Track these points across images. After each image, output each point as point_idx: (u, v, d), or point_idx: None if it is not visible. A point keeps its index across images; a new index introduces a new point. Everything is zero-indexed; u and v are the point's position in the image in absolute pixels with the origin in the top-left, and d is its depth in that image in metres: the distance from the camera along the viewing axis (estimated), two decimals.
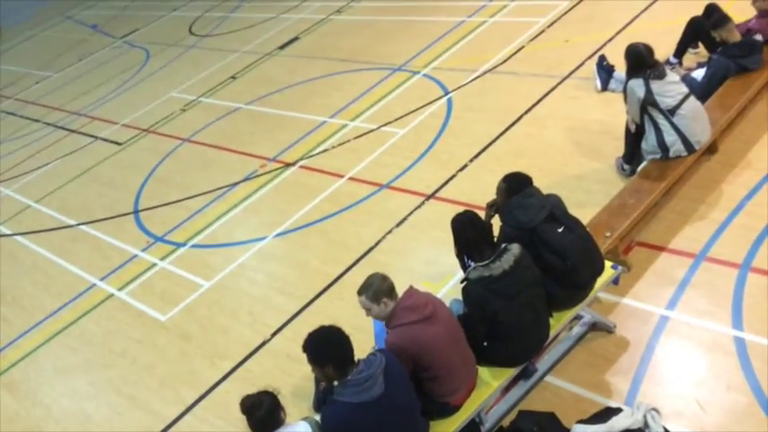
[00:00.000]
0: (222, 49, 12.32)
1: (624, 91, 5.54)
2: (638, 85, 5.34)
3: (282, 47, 11.49)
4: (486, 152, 6.86)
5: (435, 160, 7.04)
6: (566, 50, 8.16)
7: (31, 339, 6.53)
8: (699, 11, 6.71)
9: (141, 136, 10.03)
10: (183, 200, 7.94)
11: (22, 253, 8.03)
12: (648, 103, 5.33)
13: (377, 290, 3.74)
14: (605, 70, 7.14)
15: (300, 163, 7.84)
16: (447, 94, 8.20)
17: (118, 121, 10.77)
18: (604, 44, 7.90)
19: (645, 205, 5.10)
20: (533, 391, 4.33)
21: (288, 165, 7.89)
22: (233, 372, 5.35)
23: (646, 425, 3.61)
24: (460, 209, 4.31)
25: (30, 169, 10.18)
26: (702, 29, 6.56)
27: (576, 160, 6.25)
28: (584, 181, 5.94)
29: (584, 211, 4.86)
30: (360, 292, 3.82)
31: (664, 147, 5.36)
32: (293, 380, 4.92)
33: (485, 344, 4.01)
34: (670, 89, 5.32)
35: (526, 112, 7.27)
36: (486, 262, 3.87)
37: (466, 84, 8.26)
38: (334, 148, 7.91)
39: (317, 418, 3.58)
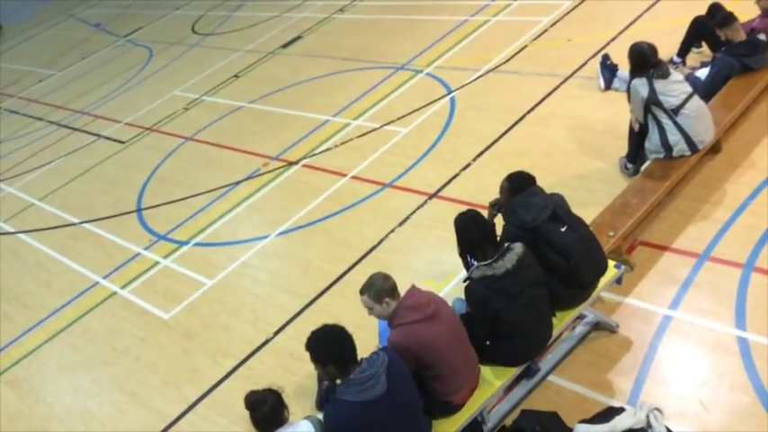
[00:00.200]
0: (225, 48, 12.33)
1: (628, 90, 5.54)
2: (641, 85, 5.34)
3: (285, 45, 11.50)
4: (488, 151, 6.86)
5: (438, 159, 7.03)
6: (569, 50, 8.15)
7: (33, 337, 6.54)
8: (702, 10, 6.71)
9: (144, 134, 10.03)
10: (185, 198, 7.94)
11: (25, 251, 8.05)
12: (652, 102, 5.32)
13: (379, 289, 3.75)
14: (609, 69, 7.13)
15: (303, 162, 7.84)
16: (450, 93, 8.19)
17: (121, 120, 10.78)
18: (608, 43, 7.89)
19: (648, 205, 5.09)
20: (536, 390, 4.33)
21: (290, 163, 7.89)
22: (235, 370, 5.35)
23: (648, 425, 3.60)
24: (463, 208, 4.31)
25: (33, 167, 10.19)
26: (706, 28, 6.56)
27: (579, 159, 6.25)
28: (587, 180, 5.94)
29: (587, 211, 4.86)
30: (362, 292, 3.82)
31: (667, 146, 5.35)
32: (296, 378, 4.93)
33: (487, 343, 4.01)
34: (674, 88, 5.31)
35: (529, 112, 7.26)
36: (489, 261, 3.86)
37: (469, 83, 8.26)
38: (336, 146, 7.91)
39: (320, 416, 3.58)
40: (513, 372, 4.06)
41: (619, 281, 4.49)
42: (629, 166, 5.79)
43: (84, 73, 13.69)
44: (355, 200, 6.85)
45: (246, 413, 3.54)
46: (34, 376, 6.07)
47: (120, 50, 14.33)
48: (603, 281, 4.31)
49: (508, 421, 4.12)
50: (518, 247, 3.93)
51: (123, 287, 6.77)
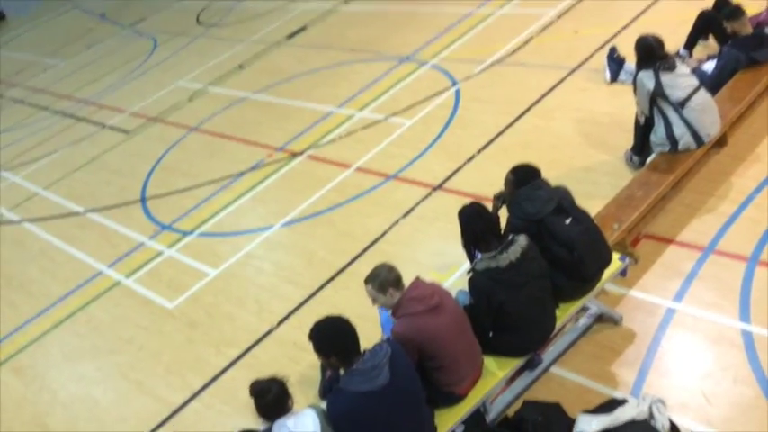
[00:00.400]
0: (229, 39, 12.31)
1: (634, 83, 5.52)
2: (647, 78, 5.32)
3: (290, 36, 11.47)
4: (493, 144, 6.85)
5: (443, 151, 7.03)
6: (575, 42, 8.12)
7: (38, 325, 6.57)
8: (709, 3, 6.68)
9: (149, 125, 10.04)
10: (190, 188, 7.95)
11: (30, 239, 8.07)
12: (658, 95, 5.31)
13: (383, 280, 3.76)
14: (615, 62, 7.11)
15: (307, 153, 7.84)
16: (455, 85, 8.17)
17: (125, 110, 10.79)
18: (614, 36, 7.86)
19: (653, 198, 5.08)
20: (538, 381, 4.33)
21: (295, 155, 7.89)
22: (239, 359, 5.37)
23: (651, 416, 3.61)
24: (467, 200, 4.31)
25: (38, 156, 10.21)
26: (713, 21, 6.52)
27: (585, 152, 6.24)
28: (592, 173, 5.93)
29: (591, 203, 4.85)
30: (366, 282, 3.83)
31: (673, 139, 5.34)
32: (299, 368, 4.94)
33: (490, 334, 4.02)
34: (680, 82, 5.29)
35: (535, 104, 7.24)
36: (493, 253, 3.86)
37: (474, 75, 8.24)
38: (341, 138, 7.91)
39: (324, 405, 3.59)
40: (516, 363, 4.07)
41: (623, 273, 4.49)
42: (635, 158, 5.78)
43: (89, 63, 13.69)
44: (359, 191, 6.85)
45: (251, 401, 3.55)
46: (39, 363, 6.10)
47: (124, 40, 14.32)
48: (607, 273, 4.31)
49: (510, 412, 4.12)
50: (522, 240, 3.93)
51: (128, 276, 6.79)
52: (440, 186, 6.51)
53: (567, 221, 4.13)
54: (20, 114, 12.26)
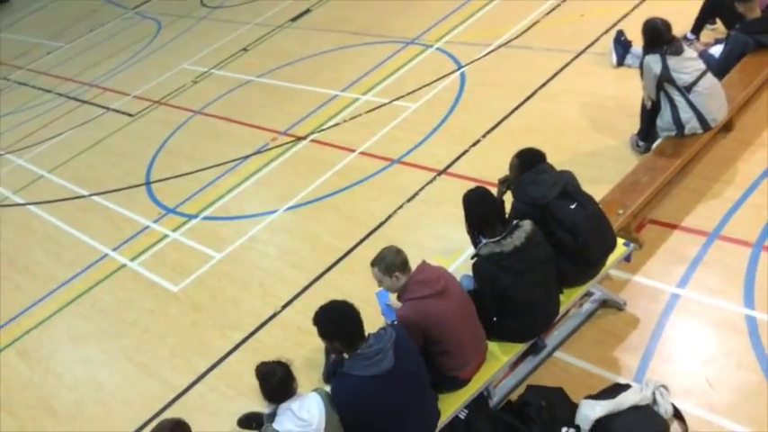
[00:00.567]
0: (233, 21, 12.23)
1: (640, 67, 5.48)
2: (654, 61, 5.28)
3: (294, 19, 11.40)
4: (499, 128, 6.82)
5: (447, 135, 7.00)
6: (581, 25, 8.05)
7: (43, 308, 6.60)
8: None
9: (153, 107, 10.02)
10: (194, 172, 7.95)
11: (35, 222, 8.10)
12: (665, 79, 5.26)
13: (390, 263, 3.76)
14: (622, 45, 7.04)
15: (311, 137, 7.82)
16: (460, 68, 8.12)
17: (129, 93, 10.76)
18: (621, 19, 7.78)
19: (658, 183, 5.06)
20: (542, 366, 4.35)
21: (299, 138, 7.87)
22: (244, 342, 5.40)
23: (654, 402, 3.62)
24: (472, 185, 4.30)
25: (42, 139, 10.20)
26: (721, 5, 6.45)
27: (590, 137, 6.20)
28: (597, 158, 5.90)
29: (597, 188, 4.83)
30: (373, 264, 3.84)
31: (679, 124, 5.31)
32: (304, 351, 4.96)
33: (495, 319, 4.02)
34: (687, 65, 5.25)
35: (540, 88, 7.20)
36: (498, 238, 3.86)
37: (479, 58, 8.18)
38: (345, 122, 7.88)
39: (328, 389, 3.61)
40: (520, 348, 4.08)
41: (627, 259, 4.48)
42: (641, 143, 5.75)
43: (93, 45, 13.64)
44: (364, 175, 6.83)
45: (256, 384, 3.58)
46: (44, 346, 6.15)
47: (128, 23, 14.24)
48: (612, 258, 4.30)
49: (514, 396, 4.14)
50: (527, 225, 3.92)
51: (132, 259, 6.81)
52: (444, 170, 6.49)
53: (573, 206, 4.11)
54: (24, 97, 12.24)
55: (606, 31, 7.64)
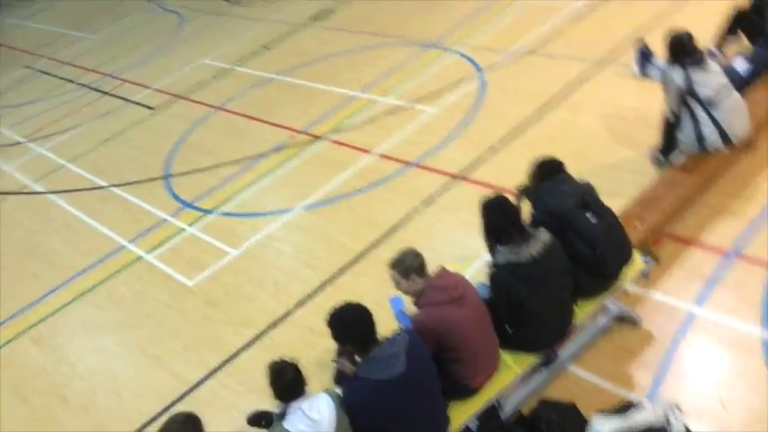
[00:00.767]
0: (256, 18, 12.29)
1: (663, 79, 5.45)
2: (677, 74, 5.25)
3: (316, 18, 11.43)
4: (518, 135, 6.81)
5: (466, 140, 6.99)
6: (605, 34, 8.02)
7: (60, 296, 6.67)
8: (742, 0, 6.54)
9: (173, 101, 10.08)
10: (213, 167, 7.99)
11: (54, 211, 8.18)
12: (687, 92, 5.24)
13: (408, 266, 3.77)
14: (645, 57, 7.00)
15: (330, 137, 7.84)
16: (481, 73, 8.11)
17: (150, 86, 10.84)
18: (645, 30, 7.73)
19: (677, 198, 5.04)
20: (554, 379, 4.33)
21: (317, 138, 7.89)
22: (256, 340, 5.43)
23: (667, 422, 3.59)
24: (489, 191, 4.30)
25: (63, 129, 10.30)
26: (744, 19, 6.41)
27: (610, 148, 6.18)
28: (616, 169, 5.87)
29: (615, 200, 4.79)
30: (391, 266, 3.84)
31: (700, 138, 5.28)
32: (315, 352, 4.98)
33: (508, 329, 4.01)
34: (710, 79, 5.22)
35: (561, 96, 7.18)
36: (515, 247, 3.85)
37: (501, 64, 8.17)
38: (363, 123, 7.89)
39: (338, 391, 3.62)
40: (533, 359, 4.06)
41: (645, 274, 4.46)
42: (661, 157, 5.72)
43: (116, 37, 13.75)
44: (380, 177, 6.85)
45: (266, 382, 3.59)
46: (59, 335, 6.21)
47: (151, 15, 14.35)
48: (629, 272, 4.29)
49: (525, 410, 4.12)
50: (544, 235, 3.91)
51: (149, 252, 6.86)
52: (462, 176, 6.49)
53: (591, 218, 4.10)
54: (46, 86, 12.36)
55: (630, 42, 7.59)
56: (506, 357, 4.01)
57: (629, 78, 7.05)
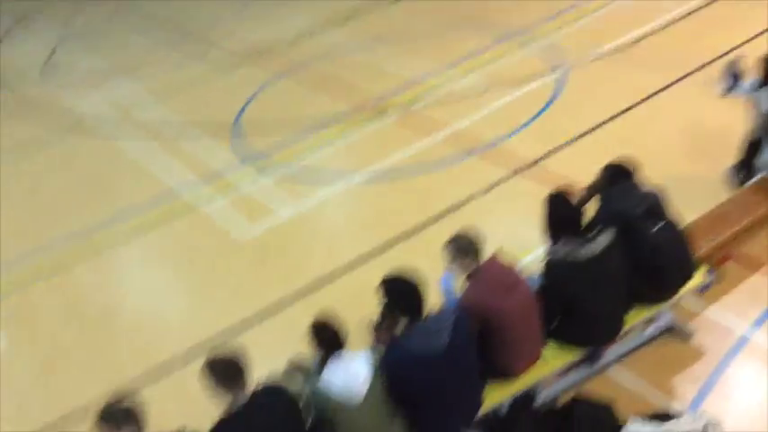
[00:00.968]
0: None
1: (751, 100, 5.27)
2: (766, 97, 5.07)
3: None
4: (591, 135, 6.69)
5: (537, 133, 6.92)
6: (695, 46, 7.78)
7: (117, 231, 6.85)
8: None
9: (254, 56, 10.26)
10: (280, 127, 8.11)
11: (122, 154, 8.35)
12: None
13: (464, 245, 3.76)
14: (733, 75, 6.75)
15: (401, 112, 7.85)
16: (563, 67, 7.98)
17: (233, 37, 11.04)
18: (737, 47, 7.47)
19: (748, 219, 4.90)
20: (595, 377, 4.29)
21: (388, 111, 7.92)
22: (303, 297, 5.51)
23: None
24: (552, 186, 4.24)
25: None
26: None
27: (684, 161, 6.03)
28: (687, 183, 5.70)
29: (683, 214, 4.69)
30: (448, 242, 3.83)
31: None
32: (357, 317, 5.00)
33: (556, 323, 3.98)
34: None
35: (641, 102, 7.01)
36: (575, 245, 3.81)
37: (586, 61, 8.02)
38: (436, 103, 7.88)
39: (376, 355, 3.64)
40: (577, 354, 4.03)
41: (703, 289, 4.36)
42: (736, 177, 5.55)
43: None
44: (444, 159, 6.83)
45: (309, 336, 3.65)
46: (116, 266, 6.43)
47: None
48: (688, 286, 4.19)
49: (559, 402, 4.10)
50: (607, 236, 3.85)
51: (209, 202, 7.01)
52: (527, 168, 6.42)
53: (656, 227, 4.02)
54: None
55: (720, 57, 7.35)
56: (550, 349, 3.98)
57: (715, 94, 6.81)
